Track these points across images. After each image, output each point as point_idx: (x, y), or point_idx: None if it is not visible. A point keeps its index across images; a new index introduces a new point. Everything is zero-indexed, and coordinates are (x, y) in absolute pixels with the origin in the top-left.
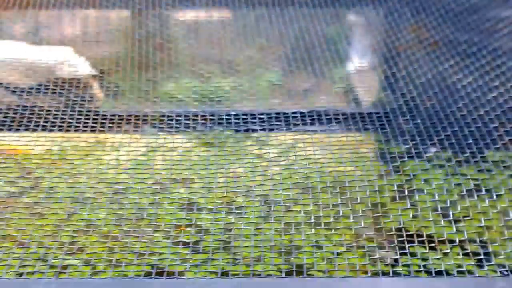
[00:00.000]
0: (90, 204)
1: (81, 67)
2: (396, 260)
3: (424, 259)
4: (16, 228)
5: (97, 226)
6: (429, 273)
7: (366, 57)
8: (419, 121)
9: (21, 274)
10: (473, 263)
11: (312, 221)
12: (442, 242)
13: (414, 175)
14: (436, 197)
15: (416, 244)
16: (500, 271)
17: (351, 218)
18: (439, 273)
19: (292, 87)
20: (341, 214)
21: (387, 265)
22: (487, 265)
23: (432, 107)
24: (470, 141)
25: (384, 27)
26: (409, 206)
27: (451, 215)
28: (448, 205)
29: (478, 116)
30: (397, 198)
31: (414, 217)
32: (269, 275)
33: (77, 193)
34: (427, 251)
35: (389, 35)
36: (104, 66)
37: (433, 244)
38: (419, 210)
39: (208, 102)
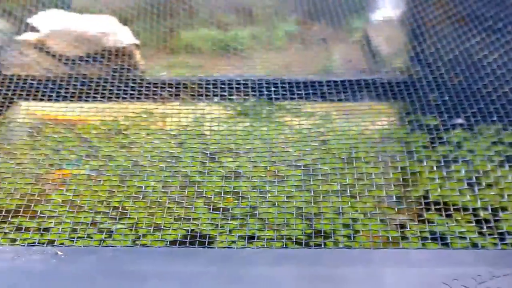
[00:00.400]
0: (141, 172)
1: (125, 37)
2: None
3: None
4: (74, 194)
5: (146, 193)
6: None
7: (383, 8)
8: (446, 96)
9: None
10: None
11: (341, 189)
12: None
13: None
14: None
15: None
16: None
17: (383, 188)
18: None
19: (308, 36)
20: (374, 185)
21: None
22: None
23: (459, 84)
24: (495, 118)
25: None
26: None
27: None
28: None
29: (503, 93)
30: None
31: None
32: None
33: (129, 162)
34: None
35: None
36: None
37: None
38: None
39: (226, 53)
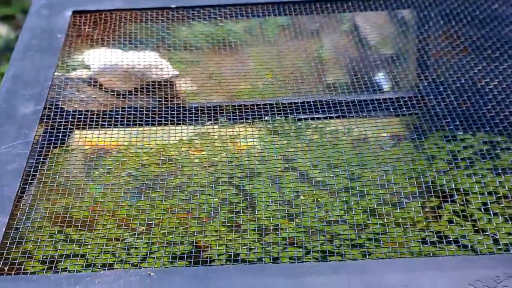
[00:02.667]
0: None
1: (166, 69)
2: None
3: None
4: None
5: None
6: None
7: None
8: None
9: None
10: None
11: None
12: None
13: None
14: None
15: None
16: None
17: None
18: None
19: (301, 29)
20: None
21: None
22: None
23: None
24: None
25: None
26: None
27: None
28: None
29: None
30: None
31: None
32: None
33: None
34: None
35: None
36: None
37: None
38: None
39: (223, 46)
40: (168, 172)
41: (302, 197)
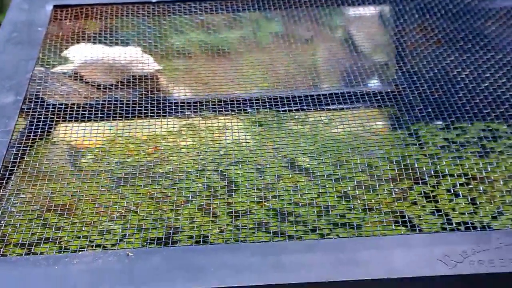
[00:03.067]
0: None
1: (149, 64)
2: None
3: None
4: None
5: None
6: None
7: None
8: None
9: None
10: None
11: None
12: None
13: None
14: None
15: None
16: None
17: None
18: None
19: (294, 37)
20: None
21: None
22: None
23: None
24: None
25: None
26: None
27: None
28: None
29: (475, 103)
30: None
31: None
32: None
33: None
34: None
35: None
36: None
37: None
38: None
39: (216, 55)
40: (154, 161)
41: (282, 182)
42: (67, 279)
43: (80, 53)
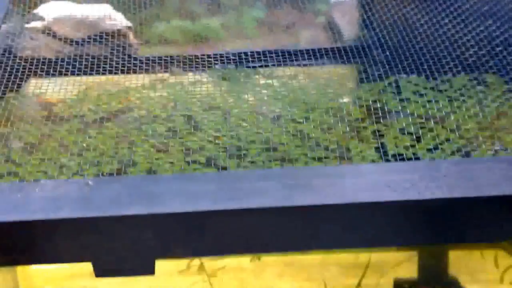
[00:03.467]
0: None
1: (120, 20)
2: None
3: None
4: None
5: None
6: None
7: None
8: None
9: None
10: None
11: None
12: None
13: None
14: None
15: None
16: None
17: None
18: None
19: (277, 22)
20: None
21: None
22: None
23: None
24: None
25: None
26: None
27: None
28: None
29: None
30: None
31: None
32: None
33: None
34: None
35: None
36: None
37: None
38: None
39: (200, 42)
40: (126, 109)
41: (243, 124)
42: (29, 205)
43: (51, 10)
